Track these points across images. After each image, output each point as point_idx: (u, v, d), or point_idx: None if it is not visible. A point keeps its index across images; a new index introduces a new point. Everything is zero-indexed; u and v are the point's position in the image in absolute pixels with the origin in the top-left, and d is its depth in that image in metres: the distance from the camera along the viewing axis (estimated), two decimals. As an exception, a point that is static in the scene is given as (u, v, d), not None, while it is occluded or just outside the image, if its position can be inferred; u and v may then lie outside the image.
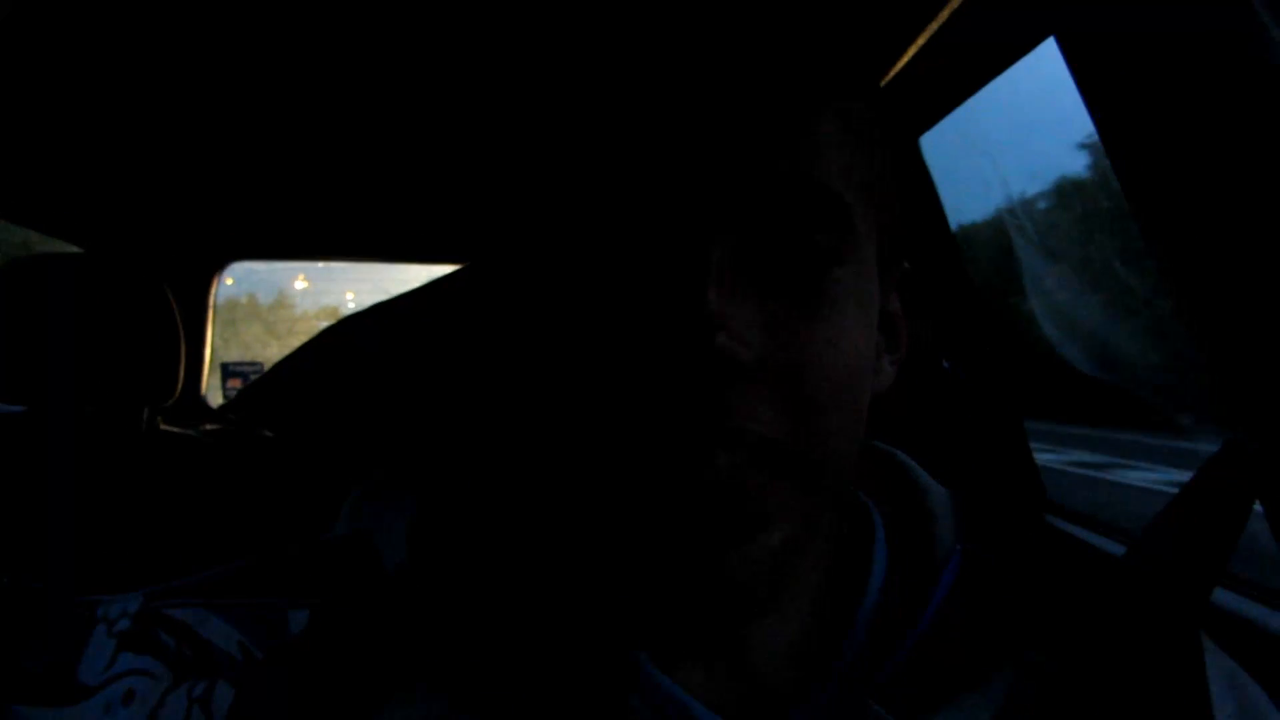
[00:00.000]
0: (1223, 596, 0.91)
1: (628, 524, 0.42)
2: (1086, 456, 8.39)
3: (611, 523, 0.44)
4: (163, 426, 1.58)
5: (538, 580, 0.48)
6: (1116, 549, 1.16)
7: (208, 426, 1.97)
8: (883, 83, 1.09)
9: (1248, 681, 0.47)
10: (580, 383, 0.42)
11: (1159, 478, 6.86)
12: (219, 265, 2.39)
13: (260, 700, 0.53)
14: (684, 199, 0.41)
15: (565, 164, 0.45)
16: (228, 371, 4.73)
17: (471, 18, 1.08)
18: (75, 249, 2.02)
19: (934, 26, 0.93)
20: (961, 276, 1.34)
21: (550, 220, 0.45)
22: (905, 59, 1.04)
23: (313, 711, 0.48)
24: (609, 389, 0.40)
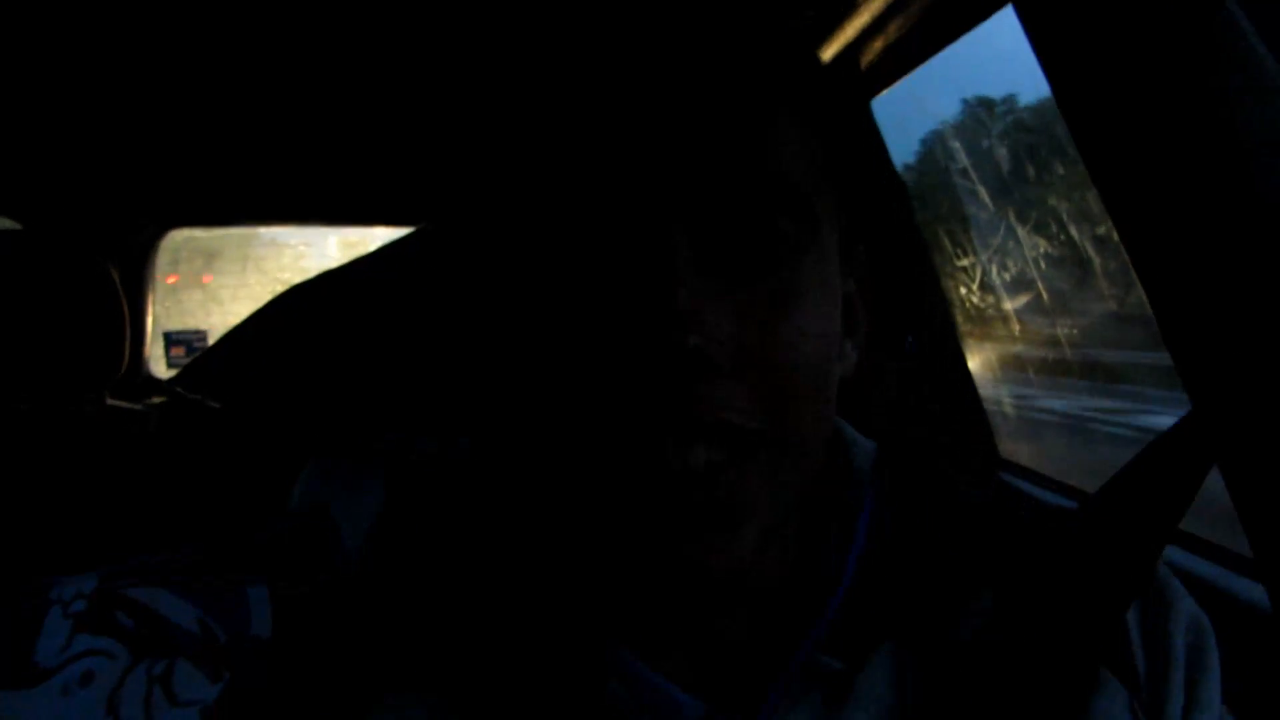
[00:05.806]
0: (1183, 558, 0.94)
1: (607, 521, 0.42)
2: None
3: (591, 520, 0.44)
4: (110, 401, 1.55)
5: (516, 575, 0.48)
6: (1069, 504, 1.19)
7: (155, 400, 1.93)
8: (837, 46, 1.09)
9: (1206, 629, 0.49)
10: (553, 379, 0.42)
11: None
12: (158, 234, 2.33)
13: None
14: (648, 194, 0.41)
15: (526, 141, 0.45)
16: (171, 340, 4.64)
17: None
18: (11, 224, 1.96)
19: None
20: (915, 242, 1.35)
21: (509, 196, 0.45)
22: (860, 22, 1.04)
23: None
24: (582, 387, 0.41)
